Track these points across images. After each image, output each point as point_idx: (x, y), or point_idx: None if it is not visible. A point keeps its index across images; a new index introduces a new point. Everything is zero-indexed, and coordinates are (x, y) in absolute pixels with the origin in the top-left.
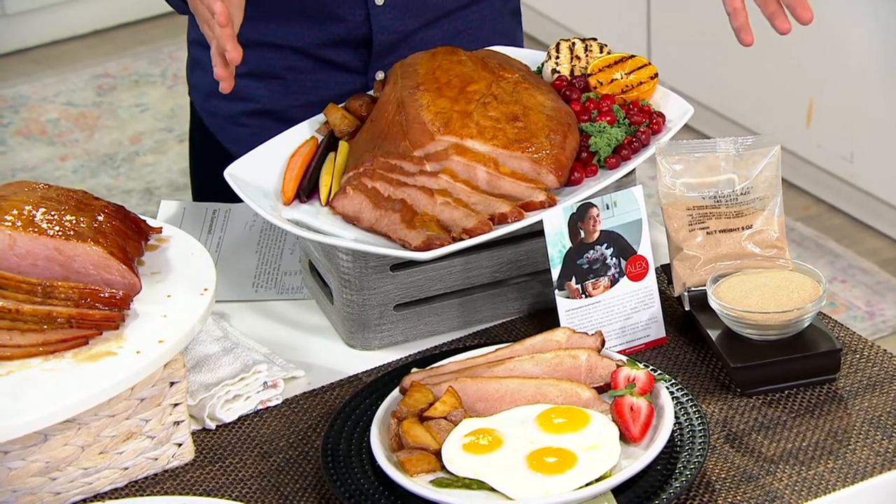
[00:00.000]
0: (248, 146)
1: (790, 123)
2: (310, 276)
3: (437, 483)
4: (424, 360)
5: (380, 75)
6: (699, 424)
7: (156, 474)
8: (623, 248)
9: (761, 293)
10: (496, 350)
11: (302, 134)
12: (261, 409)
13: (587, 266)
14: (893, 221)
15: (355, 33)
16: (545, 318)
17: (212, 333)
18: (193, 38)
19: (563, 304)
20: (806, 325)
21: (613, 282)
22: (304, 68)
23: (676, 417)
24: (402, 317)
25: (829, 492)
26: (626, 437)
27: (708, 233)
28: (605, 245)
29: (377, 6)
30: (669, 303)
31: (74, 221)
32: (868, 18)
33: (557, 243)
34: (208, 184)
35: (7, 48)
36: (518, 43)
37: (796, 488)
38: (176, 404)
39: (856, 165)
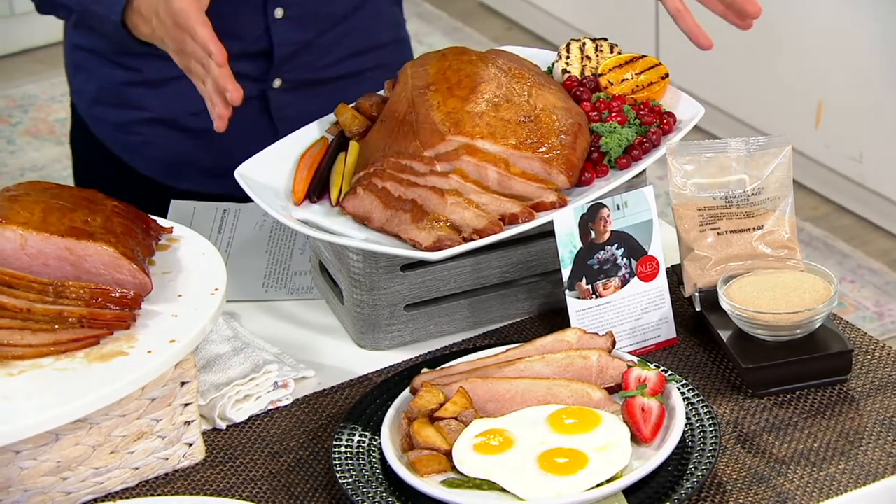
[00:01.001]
0: (139, 155)
1: (799, 124)
2: (320, 276)
3: (448, 483)
4: (435, 360)
5: (277, 83)
6: (710, 425)
7: (166, 474)
8: (634, 248)
9: (772, 294)
10: (507, 350)
11: (312, 134)
12: (271, 409)
13: (598, 266)
14: None
15: (255, 47)
16: (556, 319)
17: (222, 333)
18: (74, 42)
19: (573, 304)
20: (817, 325)
21: (624, 282)
22: None
23: (687, 418)
24: (412, 317)
25: (841, 493)
26: (637, 438)
27: (719, 233)
28: (616, 245)
29: (276, 20)
30: (680, 303)
31: (85, 221)
32: (877, 19)
33: (568, 244)
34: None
35: (15, 48)
36: (403, 31)
37: (808, 489)
38: (187, 404)
39: (864, 166)
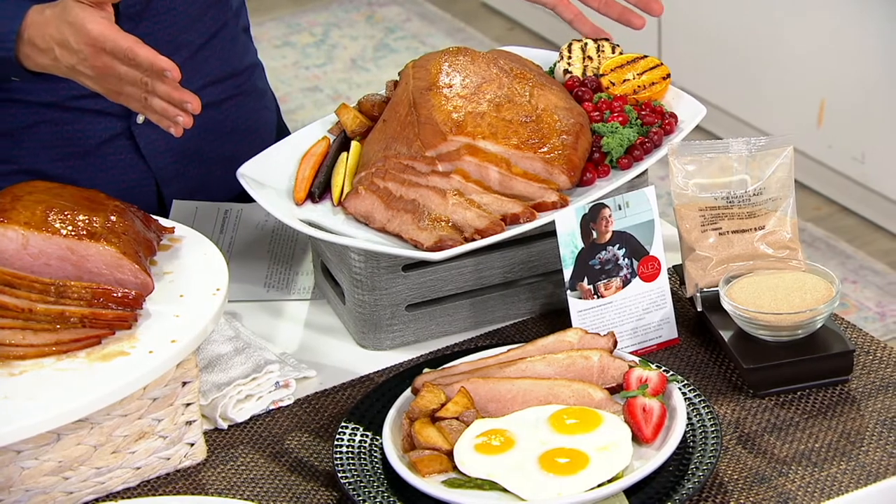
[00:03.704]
0: None
1: (801, 124)
2: (321, 277)
3: (449, 483)
4: (436, 360)
5: (140, 118)
6: (711, 425)
7: (168, 474)
8: (635, 248)
9: (774, 294)
10: (508, 350)
11: (314, 134)
12: (272, 409)
13: (599, 267)
14: None
15: None
16: (557, 319)
17: (224, 333)
18: None
19: (575, 304)
20: (819, 326)
21: (625, 282)
22: (60, 120)
23: (689, 418)
24: (413, 317)
25: (842, 493)
26: (638, 438)
27: (720, 233)
28: (618, 246)
29: None
30: (682, 303)
31: (87, 221)
32: (879, 19)
33: (569, 244)
34: None
35: None
36: (255, 57)
37: (809, 489)
38: (188, 404)
39: (867, 166)
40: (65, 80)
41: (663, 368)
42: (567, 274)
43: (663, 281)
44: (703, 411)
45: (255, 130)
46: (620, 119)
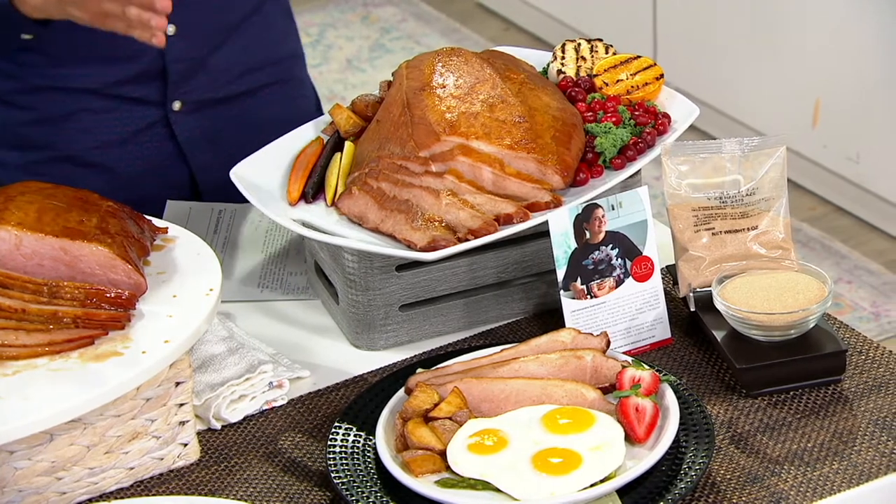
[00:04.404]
0: None
1: (796, 124)
2: (315, 277)
3: (442, 483)
4: (430, 360)
5: (177, 105)
6: (704, 425)
7: (161, 474)
8: (628, 248)
9: (767, 294)
10: (501, 350)
11: (307, 134)
12: (266, 410)
13: (592, 267)
14: None
15: (150, 67)
16: (550, 319)
17: (217, 333)
18: None
19: (568, 304)
20: (811, 326)
21: (619, 282)
22: (99, 108)
23: (681, 418)
24: (407, 317)
25: (835, 493)
26: (631, 438)
27: (713, 234)
28: (611, 246)
29: (170, 37)
30: (675, 303)
31: (80, 221)
32: (875, 19)
33: (563, 244)
34: None
35: None
36: (298, 46)
37: (801, 489)
38: (181, 404)
39: (862, 166)
40: (108, 66)
41: (656, 368)
42: (560, 274)
43: (656, 281)
44: (695, 411)
45: (293, 120)
46: (614, 119)
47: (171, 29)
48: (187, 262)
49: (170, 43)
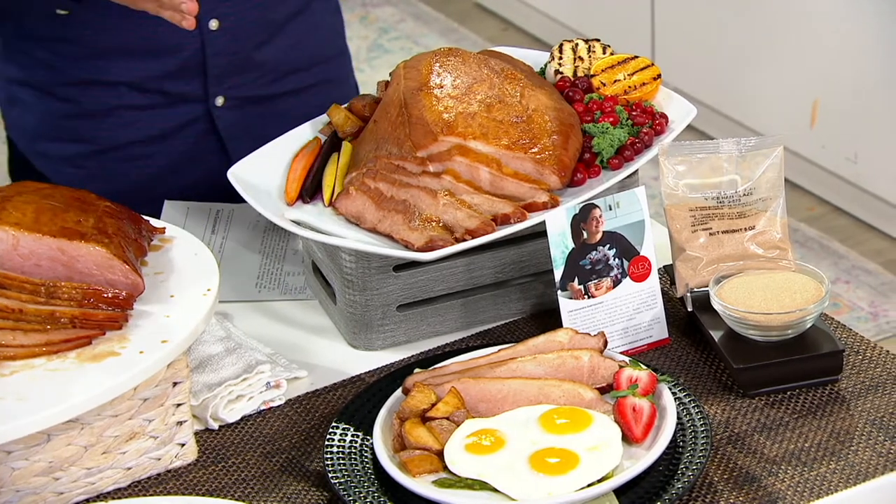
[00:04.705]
0: (87, 188)
1: (794, 124)
2: (313, 277)
3: (440, 483)
4: (427, 360)
5: (220, 100)
6: (701, 425)
7: (159, 474)
8: (626, 248)
9: (764, 294)
10: (499, 351)
11: (305, 134)
12: (263, 410)
13: (590, 267)
14: None
15: (191, 61)
16: (548, 319)
17: (215, 334)
18: (10, 76)
19: (565, 304)
20: (808, 326)
21: (616, 283)
22: (141, 103)
23: (679, 418)
24: (404, 317)
25: (832, 493)
26: (628, 438)
27: (711, 234)
28: (608, 246)
29: (211, 31)
30: (672, 304)
31: (77, 222)
32: (873, 19)
33: (560, 244)
34: None
35: None
36: (344, 43)
37: (798, 489)
38: (179, 404)
39: (860, 166)
40: (149, 60)
41: (653, 368)
42: (558, 274)
43: (654, 281)
44: (692, 411)
45: None
46: (611, 119)
47: (213, 24)
48: (185, 263)
49: (211, 37)
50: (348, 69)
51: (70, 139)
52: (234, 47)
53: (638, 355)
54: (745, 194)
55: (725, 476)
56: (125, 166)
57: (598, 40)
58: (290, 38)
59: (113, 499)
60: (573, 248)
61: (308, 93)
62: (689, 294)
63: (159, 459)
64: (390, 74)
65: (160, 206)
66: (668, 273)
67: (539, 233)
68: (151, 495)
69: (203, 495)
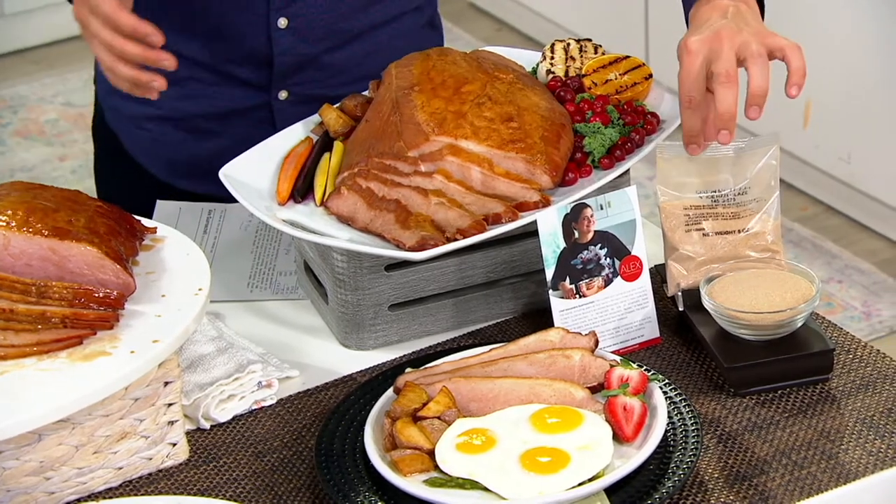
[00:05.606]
0: (148, 153)
1: (788, 124)
2: (304, 277)
3: (431, 483)
4: (418, 360)
5: (283, 94)
6: (692, 424)
7: (150, 474)
8: (617, 248)
9: (755, 293)
10: (490, 350)
11: (297, 134)
12: (255, 409)
13: (581, 266)
14: (891, 222)
15: (257, 53)
16: (539, 319)
17: (206, 333)
18: None
19: (556, 304)
20: (799, 325)
21: (607, 282)
22: (205, 79)
23: (669, 417)
24: (396, 317)
25: (822, 492)
26: (619, 437)
27: (703, 233)
28: (599, 245)
29: (279, 29)
30: (663, 303)
31: (69, 221)
32: (866, 19)
33: (551, 243)
34: (113, 191)
35: (6, 48)
36: None
37: (789, 488)
38: (170, 404)
39: (853, 166)
40: (216, 43)
41: (644, 367)
42: (549, 274)
43: (645, 280)
44: (683, 410)
45: None
46: (602, 119)
47: (282, 22)
48: (176, 262)
49: (279, 35)
50: None
51: (139, 100)
52: (302, 47)
53: (629, 354)
54: (739, 194)
55: (716, 475)
56: (182, 136)
57: (589, 40)
58: (369, 46)
59: (104, 498)
60: (564, 248)
61: None
62: (680, 293)
63: (150, 459)
64: (382, 74)
65: (202, 182)
66: (659, 272)
67: (530, 232)
68: (143, 495)
69: (194, 495)
